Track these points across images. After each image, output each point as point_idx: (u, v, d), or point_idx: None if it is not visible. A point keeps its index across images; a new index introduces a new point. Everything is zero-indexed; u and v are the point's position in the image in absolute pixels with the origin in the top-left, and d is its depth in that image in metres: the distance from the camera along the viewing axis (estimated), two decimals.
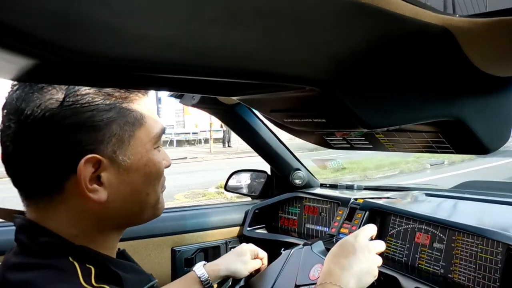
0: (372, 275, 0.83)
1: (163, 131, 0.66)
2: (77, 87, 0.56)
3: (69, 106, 0.55)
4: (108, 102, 0.58)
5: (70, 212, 0.58)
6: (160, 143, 0.66)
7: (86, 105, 0.56)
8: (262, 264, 1.16)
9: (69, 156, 0.55)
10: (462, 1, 0.44)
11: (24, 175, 0.58)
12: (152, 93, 0.68)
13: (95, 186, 0.57)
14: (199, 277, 1.02)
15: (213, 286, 1.06)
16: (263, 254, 1.17)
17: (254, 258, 1.14)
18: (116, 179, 0.59)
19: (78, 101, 0.55)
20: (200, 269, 1.04)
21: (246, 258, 1.11)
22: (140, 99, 0.62)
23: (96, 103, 0.57)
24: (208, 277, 1.03)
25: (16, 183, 0.59)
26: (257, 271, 1.16)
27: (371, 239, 0.90)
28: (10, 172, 0.58)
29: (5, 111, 0.57)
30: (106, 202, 0.58)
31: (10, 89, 0.57)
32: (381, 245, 0.88)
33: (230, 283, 1.11)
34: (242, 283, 1.12)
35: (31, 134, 0.54)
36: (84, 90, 0.57)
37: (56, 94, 0.55)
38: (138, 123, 0.61)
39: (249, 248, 1.13)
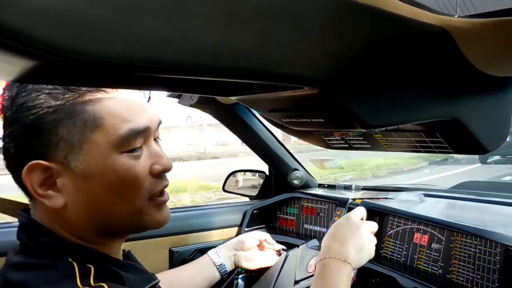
0: (369, 252, 0.87)
1: (134, 132, 0.58)
2: (28, 88, 0.54)
3: (18, 109, 0.54)
4: (55, 103, 0.54)
5: (47, 215, 0.58)
6: (134, 145, 0.58)
7: (31, 107, 0.53)
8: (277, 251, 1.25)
9: (23, 161, 0.54)
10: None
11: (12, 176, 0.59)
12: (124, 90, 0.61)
13: (50, 192, 0.55)
14: (213, 261, 1.12)
15: (227, 270, 1.15)
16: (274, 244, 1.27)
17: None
18: (72, 185, 0.56)
19: (26, 102, 0.54)
20: (213, 254, 1.14)
21: (253, 234, 1.23)
22: (99, 98, 0.56)
23: (43, 104, 0.53)
24: (222, 262, 1.13)
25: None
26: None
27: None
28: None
29: None
30: (67, 208, 0.56)
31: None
32: (373, 225, 0.93)
33: (238, 272, 1.16)
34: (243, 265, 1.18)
35: (2, 138, 0.56)
36: (34, 90, 0.54)
37: (8, 100, 0.55)
38: (92, 125, 0.55)
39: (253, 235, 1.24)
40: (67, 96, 0.54)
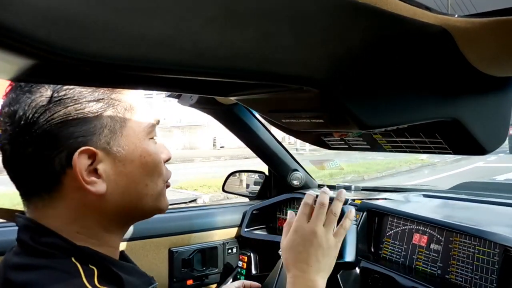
0: (334, 256, 0.79)
1: (156, 122, 0.66)
2: None
3: (58, 101, 0.55)
4: (96, 94, 0.58)
5: (70, 208, 0.58)
6: (155, 134, 0.66)
7: (74, 98, 0.56)
8: None
9: (63, 150, 0.55)
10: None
11: (23, 175, 0.58)
12: None
13: (93, 178, 0.57)
14: None
15: None
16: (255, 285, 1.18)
17: None
18: (113, 170, 0.59)
19: (66, 95, 0.56)
20: None
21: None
22: (129, 90, 0.62)
23: (84, 95, 0.57)
24: None
25: (17, 184, 0.59)
26: None
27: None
28: (10, 174, 0.59)
29: (1, 116, 0.57)
30: (105, 194, 0.58)
31: (4, 94, 0.58)
32: (323, 210, 0.79)
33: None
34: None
35: (25, 133, 0.55)
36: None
37: (45, 92, 0.56)
38: (128, 113, 0.61)
39: (236, 284, 1.16)
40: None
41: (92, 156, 0.57)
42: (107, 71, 0.36)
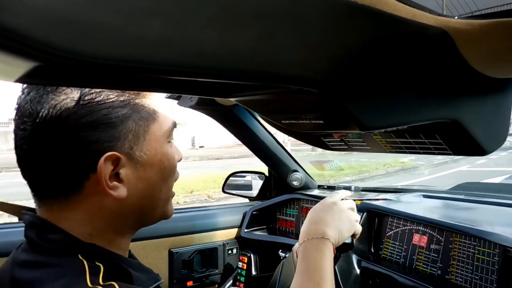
0: (348, 227, 0.86)
1: (175, 126, 0.66)
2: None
3: (86, 105, 0.55)
4: (122, 98, 0.58)
5: (87, 211, 0.58)
6: (172, 138, 0.66)
7: (101, 102, 0.56)
8: None
9: (88, 155, 0.55)
10: None
11: (41, 177, 0.57)
12: None
13: (115, 183, 0.57)
14: None
15: None
16: None
17: None
18: (134, 175, 0.59)
19: (94, 99, 0.55)
20: None
21: None
22: (152, 94, 0.63)
23: (111, 100, 0.57)
24: None
25: (32, 185, 0.58)
26: None
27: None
28: (26, 174, 0.58)
29: (18, 114, 0.56)
30: (124, 199, 0.58)
31: (21, 92, 0.57)
32: (350, 203, 0.92)
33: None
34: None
35: (48, 135, 0.54)
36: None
37: (71, 93, 0.55)
38: (151, 118, 0.61)
39: None
40: (129, 91, 0.59)
41: (116, 161, 0.57)
42: (107, 72, 0.36)
